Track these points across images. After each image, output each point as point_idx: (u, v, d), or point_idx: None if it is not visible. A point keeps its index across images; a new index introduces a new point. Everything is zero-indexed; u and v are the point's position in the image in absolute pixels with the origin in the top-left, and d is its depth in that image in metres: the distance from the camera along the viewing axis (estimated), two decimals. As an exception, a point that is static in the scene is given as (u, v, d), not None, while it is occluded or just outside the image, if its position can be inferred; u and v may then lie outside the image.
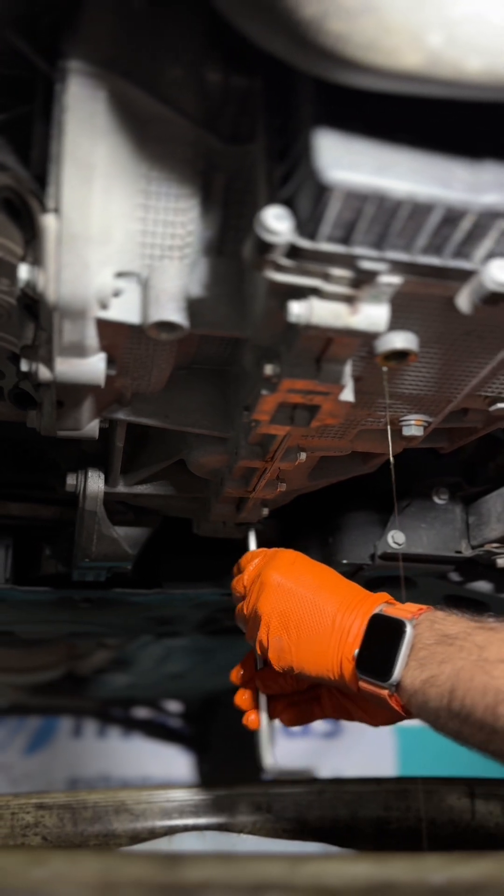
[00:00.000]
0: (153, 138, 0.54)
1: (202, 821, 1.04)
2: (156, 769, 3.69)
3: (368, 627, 0.70)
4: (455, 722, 0.60)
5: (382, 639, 0.67)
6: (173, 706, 2.95)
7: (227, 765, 2.94)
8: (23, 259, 0.60)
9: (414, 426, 0.73)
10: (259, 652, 0.76)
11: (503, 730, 0.56)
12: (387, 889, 0.31)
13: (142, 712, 2.97)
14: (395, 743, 3.77)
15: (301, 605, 0.73)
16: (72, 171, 0.52)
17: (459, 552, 0.94)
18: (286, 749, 3.57)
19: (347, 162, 0.46)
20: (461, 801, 1.00)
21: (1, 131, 0.55)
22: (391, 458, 0.71)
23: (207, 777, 3.03)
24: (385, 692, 0.66)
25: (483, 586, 1.02)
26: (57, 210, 0.53)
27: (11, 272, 0.62)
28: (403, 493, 0.96)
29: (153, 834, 1.01)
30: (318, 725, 3.73)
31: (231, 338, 0.69)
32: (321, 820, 1.04)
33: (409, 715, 0.67)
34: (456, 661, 0.61)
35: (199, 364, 0.75)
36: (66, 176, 0.52)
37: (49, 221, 0.54)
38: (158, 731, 3.03)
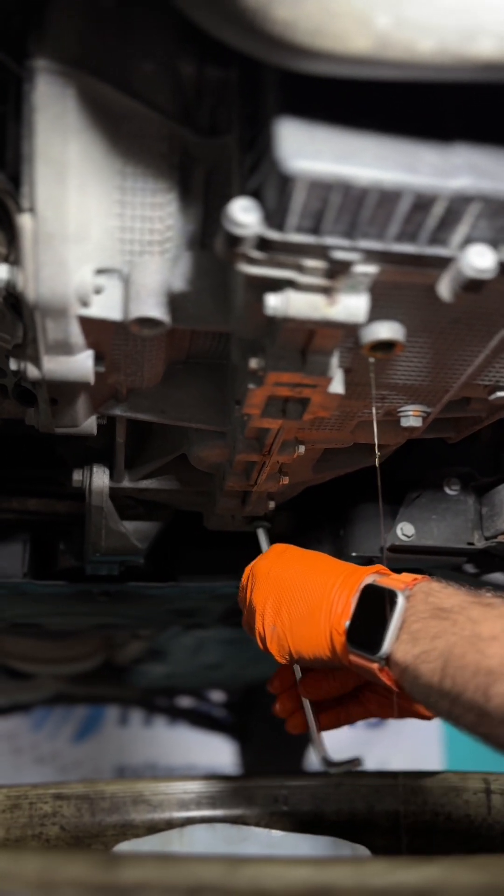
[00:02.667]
0: (126, 134, 0.54)
1: (219, 812, 1.04)
2: (201, 758, 3.72)
3: (360, 599, 0.67)
4: (445, 702, 0.57)
5: (374, 610, 0.64)
6: (216, 695, 2.98)
7: (268, 754, 2.96)
8: (6, 259, 0.60)
9: (412, 417, 0.72)
10: (261, 645, 0.76)
11: (494, 711, 0.53)
12: (326, 893, 0.30)
13: (185, 701, 2.99)
14: (441, 734, 3.74)
15: (291, 589, 0.72)
16: (44, 170, 0.52)
17: (472, 544, 0.92)
18: (331, 739, 3.57)
19: (310, 150, 0.45)
20: (477, 796, 0.98)
21: (-24, 133, 0.55)
22: (376, 450, 0.70)
23: (250, 766, 3.05)
24: (375, 666, 0.63)
25: (500, 578, 1.00)
26: (32, 209, 0.53)
27: (-1, 272, 0.63)
28: (414, 484, 0.95)
29: (170, 825, 1.02)
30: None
31: (222, 332, 0.68)
32: (338, 813, 1.03)
33: (401, 690, 0.63)
34: (448, 637, 0.57)
35: (194, 358, 0.75)
36: (38, 175, 0.52)
37: (25, 221, 0.54)
38: (202, 720, 3.06)
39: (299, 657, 0.72)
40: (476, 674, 0.54)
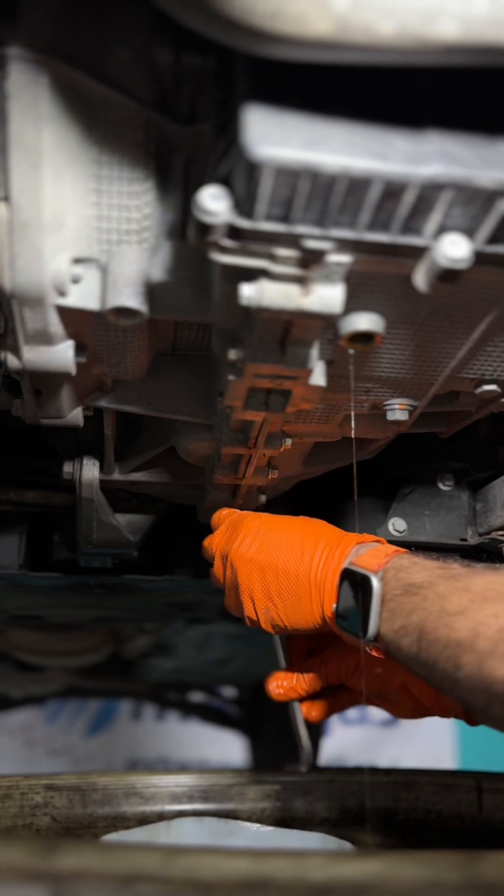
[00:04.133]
0: (102, 122, 0.54)
1: (211, 806, 1.04)
2: (213, 753, 3.73)
3: (341, 582, 0.72)
4: (424, 670, 0.63)
5: (355, 593, 0.69)
6: (228, 691, 2.98)
7: (277, 750, 2.96)
8: (-14, 249, 0.60)
9: (398, 410, 0.71)
10: (249, 623, 0.79)
11: (463, 679, 0.58)
12: (263, 885, 0.30)
13: (197, 696, 3.01)
14: (454, 733, 3.71)
15: (276, 573, 0.75)
16: (18, 158, 0.52)
17: (465, 540, 0.91)
18: (343, 737, 3.56)
19: (277, 137, 0.45)
20: (469, 794, 0.97)
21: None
22: (353, 445, 0.70)
23: (260, 762, 3.05)
24: (364, 644, 0.69)
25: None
26: (6, 198, 0.53)
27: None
28: (408, 479, 0.94)
29: (162, 817, 1.02)
30: (377, 714, 3.70)
31: (203, 323, 0.68)
32: (329, 810, 1.03)
33: (388, 655, 0.68)
34: (420, 612, 0.63)
35: (180, 350, 0.74)
36: (12, 163, 0.52)
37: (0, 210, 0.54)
38: (214, 715, 3.07)
39: (294, 630, 0.77)
40: (447, 646, 0.60)
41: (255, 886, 0.30)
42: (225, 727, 3.07)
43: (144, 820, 1.02)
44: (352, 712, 3.63)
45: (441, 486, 0.93)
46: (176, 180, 0.58)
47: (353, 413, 0.69)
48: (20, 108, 0.51)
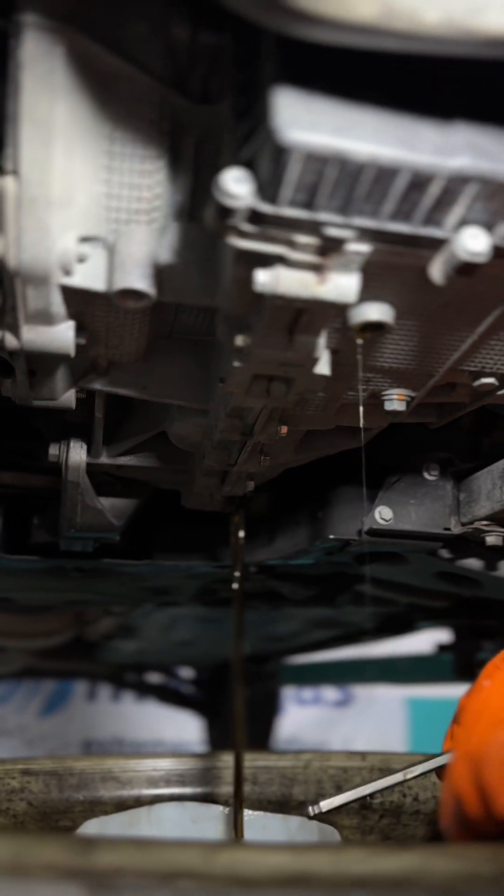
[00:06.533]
0: (116, 97, 0.52)
1: (188, 790, 1.05)
2: (169, 733, 3.76)
3: None
4: None
5: None
6: (185, 672, 2.99)
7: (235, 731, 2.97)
8: (-13, 223, 0.58)
9: (396, 401, 0.71)
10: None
11: None
12: (305, 880, 0.30)
13: (154, 677, 3.01)
14: (406, 714, 3.80)
15: None
16: (30, 131, 0.50)
17: (448, 529, 0.92)
18: (297, 717, 3.62)
19: (307, 121, 0.44)
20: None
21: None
22: (362, 433, 0.70)
23: (217, 743, 3.07)
24: None
25: (473, 563, 1.00)
26: (15, 172, 0.52)
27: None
28: (394, 469, 0.95)
29: (139, 802, 1.02)
30: (330, 694, 3.77)
31: (208, 307, 0.67)
32: (306, 794, 1.04)
33: None
34: None
35: (179, 334, 0.73)
36: (23, 136, 0.50)
37: (7, 184, 0.52)
38: (171, 696, 3.07)
39: None
40: None
41: (296, 881, 0.30)
42: (182, 708, 3.08)
43: (122, 804, 1.01)
44: (306, 693, 3.70)
45: (427, 475, 0.93)
46: (186, 161, 0.56)
47: (361, 402, 0.69)
48: (34, 78, 0.49)
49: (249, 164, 0.47)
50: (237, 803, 0.85)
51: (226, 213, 0.47)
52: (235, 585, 0.95)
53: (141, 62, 0.52)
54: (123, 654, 2.47)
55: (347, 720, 3.73)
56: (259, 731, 3.04)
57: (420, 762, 0.88)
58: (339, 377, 0.68)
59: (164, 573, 1.15)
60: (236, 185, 0.46)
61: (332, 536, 0.94)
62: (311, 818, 0.83)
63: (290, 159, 0.44)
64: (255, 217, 0.48)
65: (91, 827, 0.85)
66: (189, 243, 0.58)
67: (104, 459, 0.87)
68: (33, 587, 1.25)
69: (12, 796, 0.96)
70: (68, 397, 0.73)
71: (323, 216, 0.48)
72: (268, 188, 0.46)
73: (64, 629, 2.08)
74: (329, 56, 0.44)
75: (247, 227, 0.48)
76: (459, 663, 1.85)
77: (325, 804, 0.84)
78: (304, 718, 3.68)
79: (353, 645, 2.17)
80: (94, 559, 1.07)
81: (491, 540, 0.91)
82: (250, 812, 0.91)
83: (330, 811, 0.84)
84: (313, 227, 0.48)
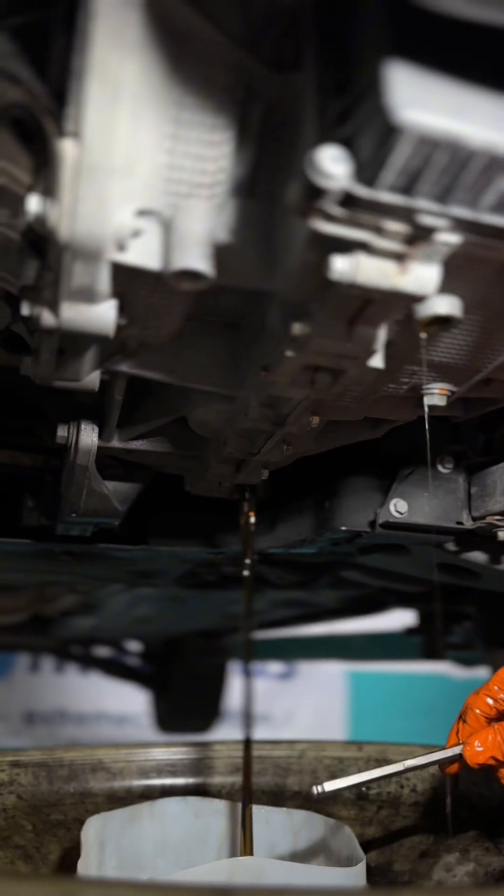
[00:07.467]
0: (190, 58, 0.47)
1: (179, 781, 1.02)
2: (112, 705, 3.75)
3: None
4: None
5: None
6: (133, 645, 2.97)
7: (185, 704, 2.99)
8: (30, 189, 0.53)
9: (437, 395, 0.69)
10: None
11: None
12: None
13: (101, 650, 2.98)
14: (346, 686, 3.89)
15: None
16: (97, 90, 0.46)
17: (461, 523, 0.91)
18: (241, 689, 3.65)
19: (421, 101, 0.40)
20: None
21: (14, 37, 0.48)
22: (427, 428, 0.67)
23: (164, 716, 3.07)
24: None
25: (478, 557, 1.00)
26: (77, 135, 0.47)
27: (14, 202, 0.55)
28: (403, 460, 0.93)
29: (130, 793, 0.99)
30: (273, 667, 3.82)
31: (250, 289, 0.63)
32: (300, 784, 1.03)
33: None
34: None
35: (210, 315, 0.69)
36: (90, 95, 0.46)
37: (67, 147, 0.47)
38: (117, 668, 3.06)
39: None
40: None
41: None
42: (127, 680, 3.07)
43: (112, 795, 0.98)
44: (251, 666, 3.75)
45: (441, 468, 0.92)
46: (252, 132, 0.52)
47: (425, 400, 0.66)
48: (106, 31, 0.44)
49: (345, 143, 0.44)
50: (246, 797, 0.83)
51: (316, 193, 0.44)
52: (246, 573, 0.92)
53: (219, 21, 0.47)
54: (78, 630, 2.43)
55: (290, 692, 3.79)
56: (207, 705, 3.05)
57: (421, 755, 0.87)
58: (386, 370, 0.65)
59: (157, 558, 1.12)
60: (333, 165, 0.43)
61: (343, 528, 0.92)
62: (316, 796, 0.81)
63: (400, 141, 0.41)
64: (347, 200, 0.44)
65: (93, 824, 0.81)
66: (247, 221, 0.54)
67: (115, 443, 0.82)
68: (16, 569, 1.20)
69: (1, 790, 0.92)
70: (92, 379, 0.69)
71: (421, 203, 0.45)
72: (367, 170, 0.43)
73: (27, 606, 2.02)
74: (445, 30, 0.41)
75: (335, 209, 0.45)
76: (427, 645, 1.88)
77: (329, 785, 0.83)
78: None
79: (314, 623, 2.18)
80: (88, 543, 1.03)
81: (503, 535, 0.90)
82: (255, 806, 0.89)
83: (335, 790, 0.82)
84: (406, 214, 0.45)
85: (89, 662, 3.04)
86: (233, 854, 0.86)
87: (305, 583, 1.37)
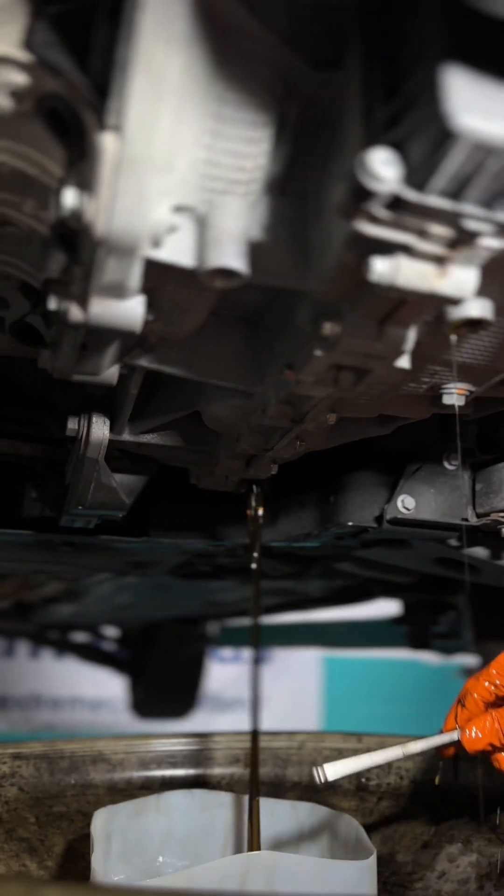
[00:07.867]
0: (235, 54, 0.47)
1: (179, 772, 1.03)
2: (88, 690, 3.76)
3: None
4: None
5: None
6: (110, 630, 2.97)
7: (161, 689, 3.00)
8: (62, 182, 0.52)
9: (456, 395, 0.69)
10: None
11: None
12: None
13: (78, 636, 2.98)
14: (321, 671, 3.95)
15: None
16: (142, 82, 0.45)
17: (466, 520, 0.92)
18: (219, 674, 3.69)
19: (478, 107, 0.40)
20: (444, 760, 1.01)
21: (54, 26, 0.46)
22: (458, 426, 0.67)
23: (141, 701, 3.08)
24: None
25: (479, 552, 1.01)
26: (118, 128, 0.46)
27: (43, 194, 0.55)
28: (413, 457, 0.93)
29: (130, 784, 0.99)
30: (248, 653, 3.86)
31: (279, 287, 0.63)
32: (300, 775, 1.04)
33: None
34: None
35: (229, 311, 0.69)
36: (134, 88, 0.45)
37: (107, 140, 0.46)
38: (92, 653, 3.06)
39: None
40: None
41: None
42: (103, 665, 3.07)
43: (113, 787, 0.98)
44: (226, 652, 3.79)
45: (447, 465, 0.92)
46: (290, 129, 0.52)
47: (456, 400, 0.67)
48: (154, 22, 0.43)
49: (395, 146, 0.43)
50: (253, 789, 0.83)
51: (364, 195, 0.43)
52: (254, 565, 0.92)
53: (265, 16, 0.46)
54: (58, 616, 2.42)
55: (265, 677, 3.83)
56: (184, 690, 3.07)
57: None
58: (409, 369, 0.65)
59: (157, 550, 1.11)
60: (384, 168, 0.42)
61: (350, 524, 0.92)
62: (320, 785, 0.82)
63: (456, 146, 0.41)
64: (394, 203, 0.44)
65: (100, 817, 0.81)
66: (279, 219, 0.54)
67: (127, 436, 0.82)
68: (13, 559, 1.18)
69: (3, 782, 0.92)
70: (111, 373, 0.68)
71: (468, 208, 0.44)
72: (417, 174, 0.43)
73: (14, 593, 2.01)
74: (499, 33, 0.40)
75: (381, 212, 0.45)
76: (412, 634, 1.90)
77: (331, 772, 0.83)
78: (224, 676, 3.77)
79: (296, 611, 2.20)
80: (90, 535, 1.02)
81: (507, 532, 0.91)
82: (260, 799, 0.89)
83: (337, 778, 0.83)
84: (452, 219, 0.45)
85: (65, 647, 3.04)
86: (239, 846, 0.86)
87: (297, 573, 1.38)
